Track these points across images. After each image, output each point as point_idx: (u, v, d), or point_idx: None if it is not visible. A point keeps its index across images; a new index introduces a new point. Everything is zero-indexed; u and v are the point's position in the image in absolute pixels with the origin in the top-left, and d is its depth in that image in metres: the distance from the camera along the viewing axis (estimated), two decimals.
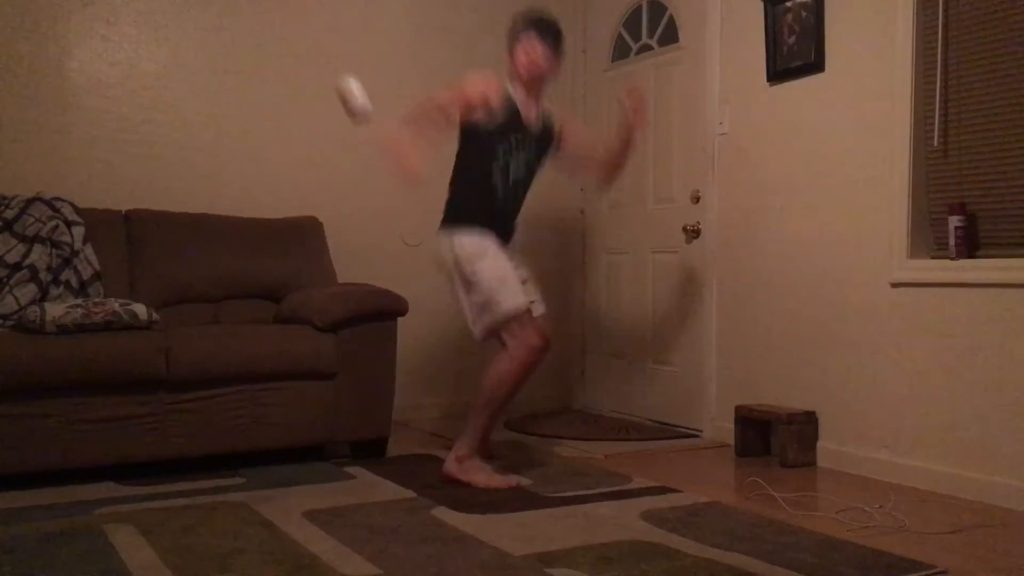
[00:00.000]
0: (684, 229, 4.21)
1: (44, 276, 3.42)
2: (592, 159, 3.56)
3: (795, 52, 3.64)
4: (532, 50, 3.28)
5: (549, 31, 3.33)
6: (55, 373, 2.97)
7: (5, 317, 3.29)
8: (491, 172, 3.25)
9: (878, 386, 3.33)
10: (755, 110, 3.84)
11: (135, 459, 3.12)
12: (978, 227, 3.09)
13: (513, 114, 3.28)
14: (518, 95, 3.31)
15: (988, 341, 2.98)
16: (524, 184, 3.37)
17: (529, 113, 3.32)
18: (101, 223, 3.68)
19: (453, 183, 3.37)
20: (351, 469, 3.32)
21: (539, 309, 3.30)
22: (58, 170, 3.85)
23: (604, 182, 3.75)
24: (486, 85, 3.24)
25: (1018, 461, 2.89)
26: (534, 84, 3.32)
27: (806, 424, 3.51)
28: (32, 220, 3.50)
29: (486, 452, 3.28)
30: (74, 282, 3.47)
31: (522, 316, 3.14)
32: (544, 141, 3.39)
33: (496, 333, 3.16)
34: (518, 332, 3.12)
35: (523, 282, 3.29)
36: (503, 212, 3.30)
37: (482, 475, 3.11)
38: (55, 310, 3.06)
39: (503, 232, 3.28)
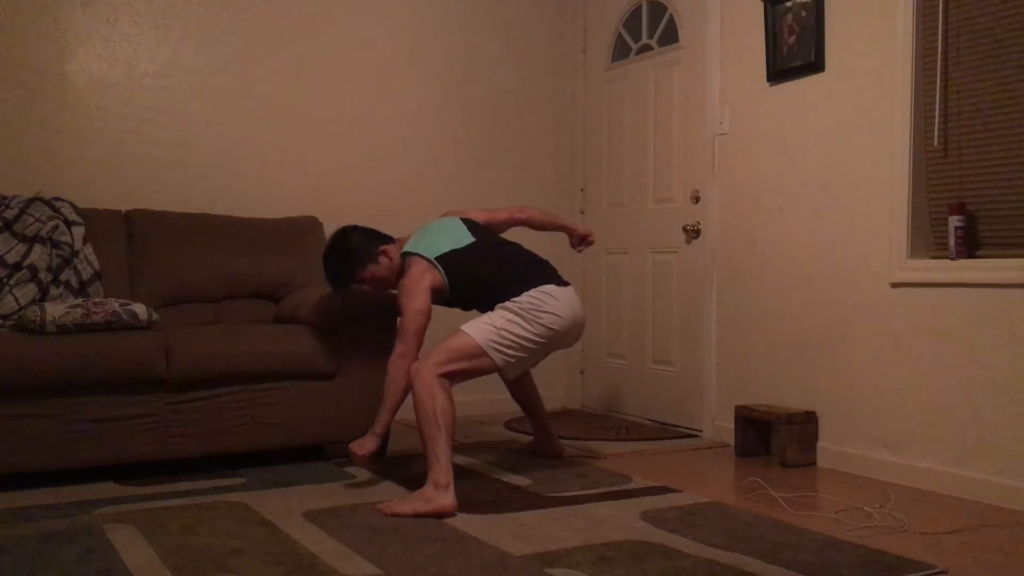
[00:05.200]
0: (684, 229, 4.21)
1: (44, 276, 3.42)
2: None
3: (795, 52, 3.64)
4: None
5: (342, 285, 3.33)
6: (55, 373, 2.97)
7: (5, 317, 3.29)
8: None
9: (878, 386, 3.33)
10: (755, 110, 3.84)
11: (135, 459, 3.12)
12: (978, 227, 3.09)
13: None
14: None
15: (988, 341, 2.98)
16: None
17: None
18: (101, 223, 3.68)
19: None
20: (351, 469, 3.32)
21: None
22: (58, 170, 3.85)
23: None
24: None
25: (1018, 461, 2.89)
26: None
27: (806, 424, 3.51)
28: (32, 220, 3.50)
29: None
30: (74, 282, 3.47)
31: None
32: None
33: None
34: None
35: None
36: None
37: None
38: (55, 310, 3.06)
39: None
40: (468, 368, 3.00)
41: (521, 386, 3.57)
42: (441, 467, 2.78)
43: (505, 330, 3.01)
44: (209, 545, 2.38)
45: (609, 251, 4.78)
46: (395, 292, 3.23)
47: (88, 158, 3.92)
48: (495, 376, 3.85)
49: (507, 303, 3.06)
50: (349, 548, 2.37)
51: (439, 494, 2.74)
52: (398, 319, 3.13)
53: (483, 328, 3.02)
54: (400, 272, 3.21)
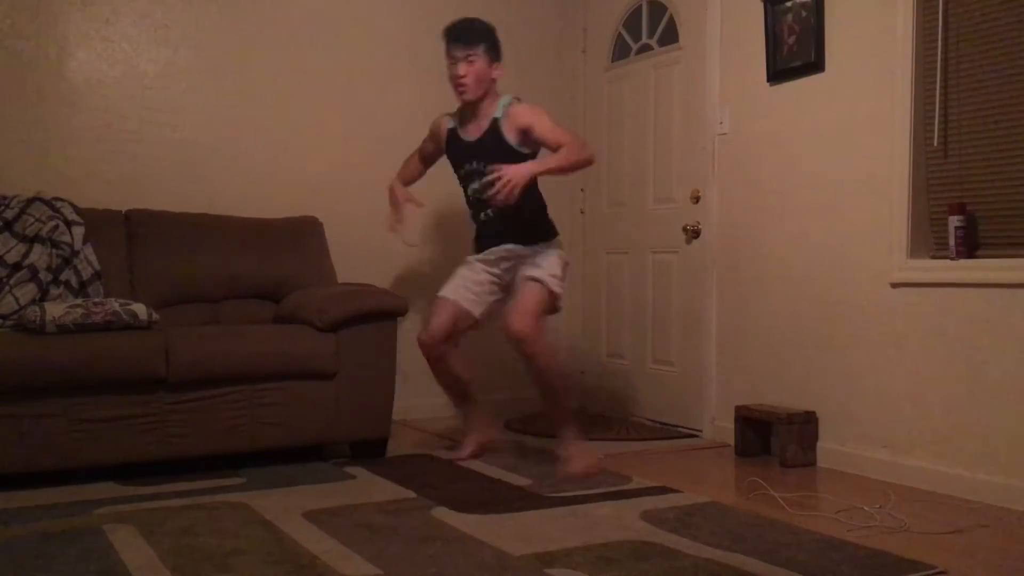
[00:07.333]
0: (684, 229, 4.21)
1: (44, 276, 3.42)
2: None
3: (795, 52, 3.64)
4: (451, 71, 3.33)
5: (460, 36, 3.31)
6: (55, 373, 2.97)
7: (5, 317, 3.29)
8: (466, 201, 3.48)
9: (878, 386, 3.33)
10: (755, 110, 3.84)
11: (135, 459, 3.12)
12: (978, 227, 3.09)
13: (456, 146, 3.43)
14: (462, 122, 3.44)
15: (988, 341, 2.98)
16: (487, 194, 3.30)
17: (471, 132, 3.40)
18: (101, 223, 3.68)
19: None
20: (351, 469, 3.32)
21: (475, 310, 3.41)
22: (58, 170, 3.85)
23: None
24: (431, 130, 3.56)
25: (1018, 461, 2.89)
26: (467, 103, 3.36)
27: (806, 424, 3.51)
28: (32, 220, 3.50)
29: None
30: (74, 282, 3.47)
31: (435, 306, 3.41)
32: (492, 145, 3.32)
33: None
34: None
35: (494, 287, 3.44)
36: (489, 227, 3.41)
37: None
38: (55, 310, 3.06)
39: (493, 240, 3.41)
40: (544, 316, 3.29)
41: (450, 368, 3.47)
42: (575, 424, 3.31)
43: (559, 275, 3.32)
44: (209, 545, 2.38)
45: (609, 251, 4.78)
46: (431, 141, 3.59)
47: (88, 158, 3.92)
48: (495, 376, 3.98)
49: (560, 249, 3.41)
50: (349, 548, 2.37)
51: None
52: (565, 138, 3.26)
53: (548, 277, 3.27)
54: (496, 115, 3.33)
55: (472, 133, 3.38)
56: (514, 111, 3.32)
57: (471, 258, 3.47)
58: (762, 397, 3.79)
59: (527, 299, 3.17)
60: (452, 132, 3.47)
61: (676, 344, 4.33)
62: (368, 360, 3.48)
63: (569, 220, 4.99)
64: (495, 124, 3.33)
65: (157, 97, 4.05)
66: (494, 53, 3.33)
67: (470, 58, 3.27)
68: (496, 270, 3.40)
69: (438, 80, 4.66)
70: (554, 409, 3.24)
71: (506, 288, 3.42)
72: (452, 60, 3.31)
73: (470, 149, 3.37)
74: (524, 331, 3.09)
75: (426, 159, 3.70)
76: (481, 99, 3.34)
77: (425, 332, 3.36)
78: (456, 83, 3.31)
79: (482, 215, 3.40)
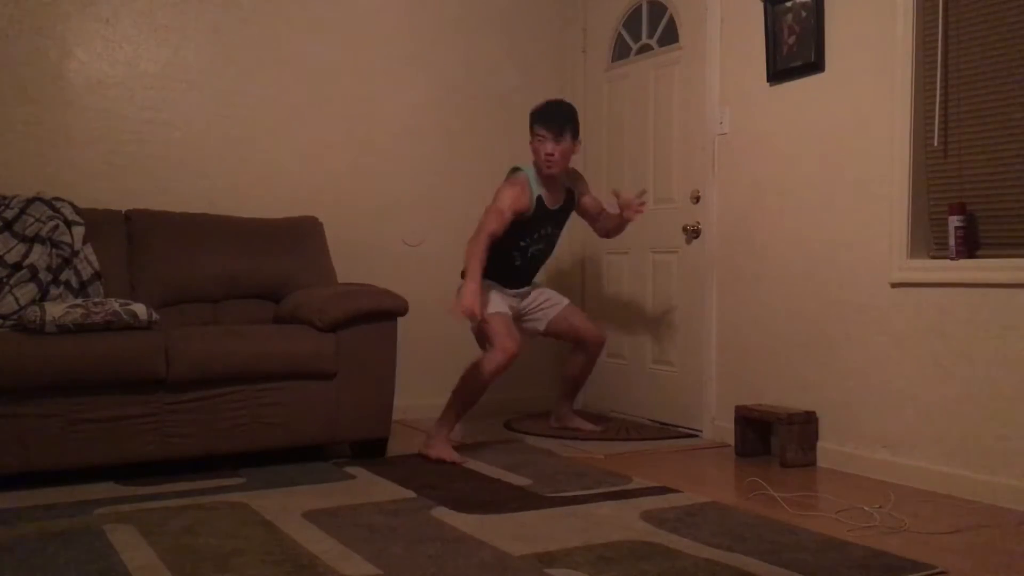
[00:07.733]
0: (684, 229, 4.21)
1: (44, 276, 3.42)
2: (596, 222, 4.04)
3: (795, 52, 3.64)
4: (541, 147, 3.65)
5: (553, 120, 3.64)
6: (55, 373, 2.97)
7: (5, 317, 3.29)
8: (513, 254, 3.76)
9: (878, 386, 3.33)
10: (755, 110, 3.84)
11: (135, 459, 3.12)
12: (978, 227, 3.09)
13: (541, 212, 3.73)
14: (543, 189, 3.70)
15: (988, 341, 2.98)
16: (545, 253, 3.92)
17: (554, 201, 3.78)
18: (101, 223, 3.68)
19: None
20: (351, 469, 3.33)
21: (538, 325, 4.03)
22: (58, 170, 3.85)
23: (604, 237, 4.18)
24: (516, 199, 3.62)
25: (1018, 461, 2.89)
26: (552, 176, 3.72)
27: (806, 424, 3.51)
28: (32, 220, 3.50)
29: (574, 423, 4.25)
30: (74, 282, 3.47)
31: (504, 322, 3.63)
32: (565, 211, 3.89)
33: (480, 338, 3.74)
34: (495, 338, 3.56)
35: (525, 313, 3.98)
36: (521, 272, 3.87)
37: (434, 450, 3.52)
38: (55, 310, 3.06)
39: (523, 280, 3.91)
40: None
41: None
42: None
43: None
44: (209, 545, 2.38)
45: (609, 251, 4.78)
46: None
47: (88, 158, 3.92)
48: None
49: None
50: (349, 548, 2.37)
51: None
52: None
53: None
54: (567, 184, 3.84)
55: (553, 202, 3.77)
56: (578, 182, 3.93)
57: (500, 286, 3.78)
58: (762, 397, 3.79)
59: (587, 318, 4.14)
60: (540, 200, 3.71)
61: (676, 344, 4.33)
62: (368, 360, 3.48)
63: (569, 220, 4.98)
64: (571, 194, 3.87)
65: (157, 97, 4.05)
66: (576, 134, 3.71)
67: (558, 139, 3.62)
68: (521, 301, 3.93)
69: (438, 81, 4.69)
70: (578, 389, 4.24)
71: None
72: (540, 138, 3.65)
73: (552, 216, 3.79)
74: (603, 336, 4.11)
75: (496, 237, 3.57)
76: (560, 174, 3.75)
77: (516, 343, 3.58)
78: (545, 160, 3.64)
79: (520, 263, 3.82)
